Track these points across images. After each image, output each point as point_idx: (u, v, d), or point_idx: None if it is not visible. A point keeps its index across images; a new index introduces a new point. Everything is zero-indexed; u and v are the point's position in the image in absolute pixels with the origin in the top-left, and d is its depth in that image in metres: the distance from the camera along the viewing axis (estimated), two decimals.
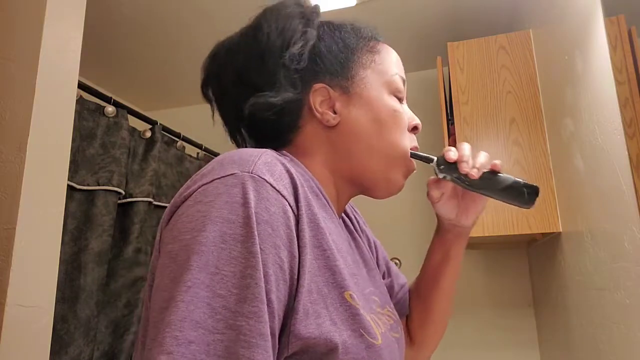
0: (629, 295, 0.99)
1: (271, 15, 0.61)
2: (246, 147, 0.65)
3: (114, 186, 1.54)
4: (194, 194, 0.47)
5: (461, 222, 0.69)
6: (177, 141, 2.02)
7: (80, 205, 1.48)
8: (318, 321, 0.46)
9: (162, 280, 0.44)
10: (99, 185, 1.52)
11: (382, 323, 0.55)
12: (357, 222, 0.77)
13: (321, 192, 0.58)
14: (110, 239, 1.52)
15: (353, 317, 0.49)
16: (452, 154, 0.63)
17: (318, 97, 0.61)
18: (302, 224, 0.48)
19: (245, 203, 0.44)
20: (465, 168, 0.61)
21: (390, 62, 0.64)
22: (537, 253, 1.88)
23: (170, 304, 0.41)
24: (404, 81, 0.65)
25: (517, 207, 0.62)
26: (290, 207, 0.47)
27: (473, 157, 0.63)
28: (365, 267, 0.64)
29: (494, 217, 1.56)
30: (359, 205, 0.81)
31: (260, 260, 0.43)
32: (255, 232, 0.43)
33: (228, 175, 0.46)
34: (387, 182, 0.63)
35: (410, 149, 0.63)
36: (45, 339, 1.04)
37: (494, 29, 1.96)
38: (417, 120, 0.65)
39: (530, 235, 1.65)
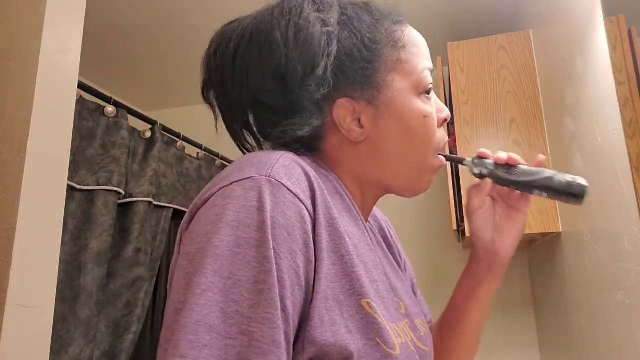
0: (629, 295, 0.99)
1: (287, 23, 0.54)
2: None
3: (114, 186, 1.54)
4: (213, 196, 0.46)
5: (496, 246, 0.64)
6: (177, 141, 2.02)
7: (80, 205, 1.48)
8: (333, 329, 0.45)
9: (177, 282, 0.44)
10: (99, 185, 1.52)
11: (404, 333, 0.53)
12: (390, 233, 0.74)
13: (347, 194, 0.57)
14: (110, 239, 1.52)
15: (370, 326, 0.47)
16: (485, 151, 0.61)
17: (342, 112, 0.56)
18: (320, 228, 0.47)
19: (261, 207, 0.43)
20: (502, 156, 0.59)
21: (416, 57, 0.58)
22: (537, 253, 1.88)
23: (185, 307, 0.41)
24: (431, 70, 0.60)
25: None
26: (308, 211, 0.46)
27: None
28: (392, 276, 0.61)
29: None
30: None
31: (274, 265, 0.42)
32: (270, 237, 0.43)
33: (246, 178, 0.46)
34: (418, 184, 0.60)
35: (443, 147, 0.60)
36: (45, 339, 1.04)
37: (494, 29, 1.96)
38: (446, 112, 0.61)
39: (530, 235, 1.65)
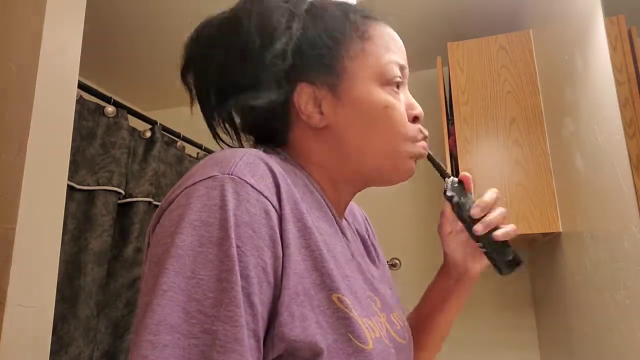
0: (629, 295, 0.99)
1: (252, 6, 0.56)
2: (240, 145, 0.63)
3: (114, 186, 1.54)
4: (177, 197, 0.46)
5: (467, 265, 0.66)
6: (177, 141, 2.02)
7: (80, 205, 1.48)
8: (304, 324, 0.45)
9: (144, 285, 0.44)
10: (99, 185, 1.52)
11: (377, 328, 0.53)
12: (367, 228, 0.74)
13: (317, 190, 0.57)
14: (110, 239, 1.52)
15: (341, 321, 0.47)
16: (469, 178, 0.61)
17: (303, 97, 0.56)
18: (287, 224, 0.47)
19: (224, 205, 0.43)
20: (477, 212, 0.60)
21: (382, 49, 0.58)
22: (537, 253, 1.88)
23: (148, 308, 0.41)
24: (402, 67, 0.59)
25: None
26: (273, 207, 0.46)
27: (491, 206, 0.61)
28: (367, 271, 0.61)
29: None
30: (357, 203, 0.79)
31: (237, 263, 0.42)
32: (233, 235, 0.42)
33: (208, 177, 0.46)
34: (396, 172, 0.59)
35: (422, 141, 0.60)
36: (45, 339, 1.04)
37: (494, 29, 1.96)
38: (417, 110, 0.60)
39: (530, 236, 1.65)
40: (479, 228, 0.60)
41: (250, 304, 0.42)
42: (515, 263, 0.60)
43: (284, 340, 0.44)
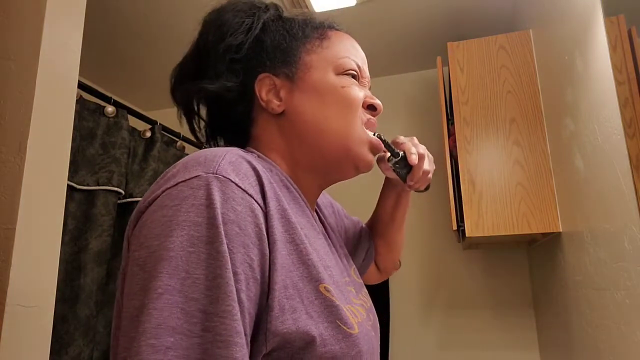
0: (629, 295, 0.99)
1: (215, 15, 0.63)
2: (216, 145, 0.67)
3: (113, 186, 1.55)
4: (159, 198, 0.46)
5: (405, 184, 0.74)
6: (177, 141, 2.02)
7: (80, 205, 1.48)
8: (294, 316, 0.46)
9: (131, 289, 0.43)
10: (99, 185, 1.52)
11: (358, 313, 0.56)
12: (334, 211, 0.81)
13: (292, 185, 0.59)
14: (110, 239, 1.52)
15: (329, 309, 0.49)
16: (414, 157, 0.68)
17: (263, 86, 0.61)
18: (272, 220, 0.48)
19: (210, 204, 0.44)
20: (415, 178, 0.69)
21: (340, 46, 0.63)
22: (537, 253, 1.88)
23: (143, 313, 0.40)
24: (359, 66, 0.64)
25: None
26: (258, 204, 0.47)
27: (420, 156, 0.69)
28: (339, 258, 0.65)
29: (494, 217, 1.56)
30: (339, 192, 0.85)
31: (228, 259, 0.43)
32: (222, 232, 0.43)
33: (192, 177, 0.46)
34: (352, 159, 0.61)
35: (366, 125, 0.63)
36: (45, 339, 1.04)
37: (494, 29, 1.96)
38: (374, 100, 0.64)
39: (530, 235, 1.65)
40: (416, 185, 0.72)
41: (239, 300, 0.43)
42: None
43: (277, 333, 0.45)
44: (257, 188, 0.48)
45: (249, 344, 0.44)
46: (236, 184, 0.46)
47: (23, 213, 1.01)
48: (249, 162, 0.50)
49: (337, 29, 0.66)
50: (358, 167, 0.63)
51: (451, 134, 1.77)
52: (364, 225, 0.91)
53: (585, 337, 1.29)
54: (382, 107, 0.65)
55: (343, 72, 0.61)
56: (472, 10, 1.96)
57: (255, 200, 0.47)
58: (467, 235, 1.57)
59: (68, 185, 1.36)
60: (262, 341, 0.45)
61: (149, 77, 2.44)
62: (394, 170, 0.69)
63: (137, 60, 2.29)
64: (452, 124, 1.75)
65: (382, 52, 2.23)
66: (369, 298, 0.68)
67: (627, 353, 1.01)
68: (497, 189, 1.58)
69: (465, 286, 2.13)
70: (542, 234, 1.56)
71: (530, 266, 2.04)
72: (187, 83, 0.63)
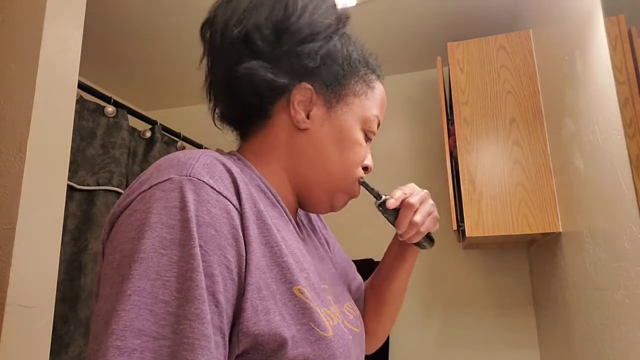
0: (629, 295, 0.99)
1: (310, 4, 0.60)
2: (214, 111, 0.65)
3: (114, 186, 1.55)
4: (133, 202, 0.46)
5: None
6: (177, 141, 2.02)
7: (80, 205, 1.48)
8: (267, 317, 0.46)
9: (104, 292, 0.43)
10: (99, 185, 1.52)
11: (335, 317, 0.56)
12: (318, 223, 0.80)
13: (270, 191, 0.59)
14: None
15: (303, 311, 0.49)
16: (392, 202, 0.67)
17: (300, 95, 0.60)
18: (248, 222, 0.48)
19: (184, 207, 0.44)
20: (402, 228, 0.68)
21: (376, 102, 0.66)
22: (537, 253, 1.88)
23: (112, 314, 0.40)
24: (379, 124, 0.67)
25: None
26: (234, 206, 0.47)
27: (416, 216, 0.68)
28: (319, 264, 0.65)
29: (494, 217, 1.56)
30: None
31: (201, 262, 0.42)
32: (195, 235, 0.43)
33: (165, 180, 0.46)
34: (331, 199, 0.64)
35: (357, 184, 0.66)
36: (45, 339, 1.04)
37: (494, 29, 1.96)
38: (370, 162, 0.67)
39: (530, 235, 1.65)
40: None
41: (216, 302, 0.43)
42: (430, 240, 0.75)
43: (249, 334, 0.45)
44: (232, 190, 0.48)
45: (227, 345, 0.44)
46: (211, 187, 0.46)
47: (23, 213, 1.01)
48: (224, 164, 0.50)
49: (380, 79, 0.68)
50: (328, 209, 0.66)
51: (451, 134, 1.77)
52: (362, 281, 0.87)
53: (585, 336, 1.29)
54: (373, 166, 0.68)
55: (366, 129, 0.65)
56: (472, 10, 1.96)
57: (231, 202, 0.47)
58: (467, 235, 1.57)
59: (68, 185, 1.36)
60: (235, 342, 0.45)
61: (149, 77, 2.44)
62: (382, 215, 0.69)
63: (137, 60, 2.29)
64: (452, 124, 1.75)
65: (382, 52, 2.22)
66: (355, 308, 0.69)
67: (627, 353, 1.01)
68: (497, 189, 1.58)
69: (465, 286, 2.13)
70: (542, 234, 1.56)
71: (530, 266, 2.04)
72: (244, 52, 0.58)
